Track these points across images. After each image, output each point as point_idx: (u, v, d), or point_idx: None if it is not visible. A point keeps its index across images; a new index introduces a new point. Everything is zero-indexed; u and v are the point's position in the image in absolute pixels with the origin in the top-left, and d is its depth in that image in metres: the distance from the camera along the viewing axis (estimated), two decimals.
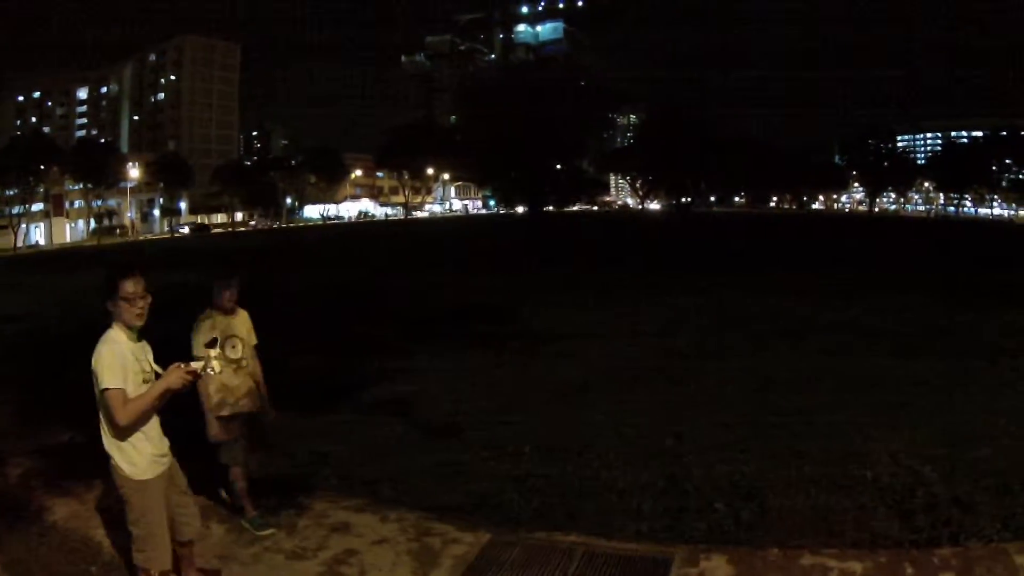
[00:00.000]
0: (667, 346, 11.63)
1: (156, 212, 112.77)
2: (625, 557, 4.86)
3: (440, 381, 9.67)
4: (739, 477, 6.13)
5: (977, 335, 12.25)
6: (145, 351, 3.92)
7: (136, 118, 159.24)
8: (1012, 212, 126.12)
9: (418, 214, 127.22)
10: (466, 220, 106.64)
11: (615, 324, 13.77)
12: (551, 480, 6.17)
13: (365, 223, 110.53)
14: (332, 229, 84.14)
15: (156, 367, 3.93)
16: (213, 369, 3.91)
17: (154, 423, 3.94)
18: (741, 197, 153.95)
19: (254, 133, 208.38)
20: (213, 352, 3.96)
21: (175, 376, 3.72)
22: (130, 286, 3.74)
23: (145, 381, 3.79)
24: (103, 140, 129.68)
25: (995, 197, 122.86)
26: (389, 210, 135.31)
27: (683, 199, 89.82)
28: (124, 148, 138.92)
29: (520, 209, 78.14)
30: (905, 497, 5.63)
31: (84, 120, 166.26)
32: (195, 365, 3.80)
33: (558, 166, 65.34)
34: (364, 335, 13.25)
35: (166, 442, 4.05)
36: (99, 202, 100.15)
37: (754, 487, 5.90)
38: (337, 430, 7.70)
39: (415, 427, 7.80)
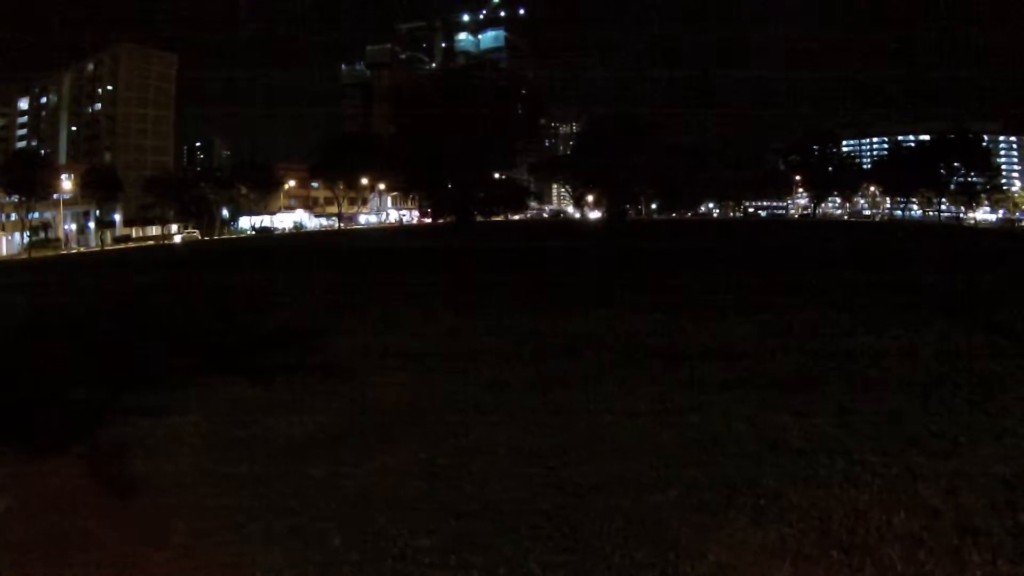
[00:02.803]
0: (482, 378, 9.97)
1: (91, 224, 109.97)
2: None
3: (176, 426, 8.23)
4: None
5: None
6: None
7: (74, 128, 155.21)
8: (962, 214, 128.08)
9: (355, 224, 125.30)
10: (391, 230, 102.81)
11: (438, 350, 12.00)
12: None
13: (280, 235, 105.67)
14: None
15: None
16: None
17: None
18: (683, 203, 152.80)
19: (197, 144, 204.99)
20: None
21: None
22: None
23: None
24: (43, 151, 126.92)
25: (943, 200, 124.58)
26: (324, 220, 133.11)
27: (623, 206, 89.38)
28: (63, 159, 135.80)
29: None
30: None
31: (25, 131, 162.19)
32: None
33: (495, 175, 64.20)
34: (153, 362, 11.84)
35: None
36: (35, 215, 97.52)
37: None
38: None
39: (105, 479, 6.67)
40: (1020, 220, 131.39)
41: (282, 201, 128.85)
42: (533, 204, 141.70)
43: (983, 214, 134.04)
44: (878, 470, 6.36)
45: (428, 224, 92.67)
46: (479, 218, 67.29)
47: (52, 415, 8.90)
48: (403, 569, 4.77)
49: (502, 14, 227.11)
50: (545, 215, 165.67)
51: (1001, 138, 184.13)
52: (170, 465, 7.01)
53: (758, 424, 7.68)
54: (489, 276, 25.29)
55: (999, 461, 6.57)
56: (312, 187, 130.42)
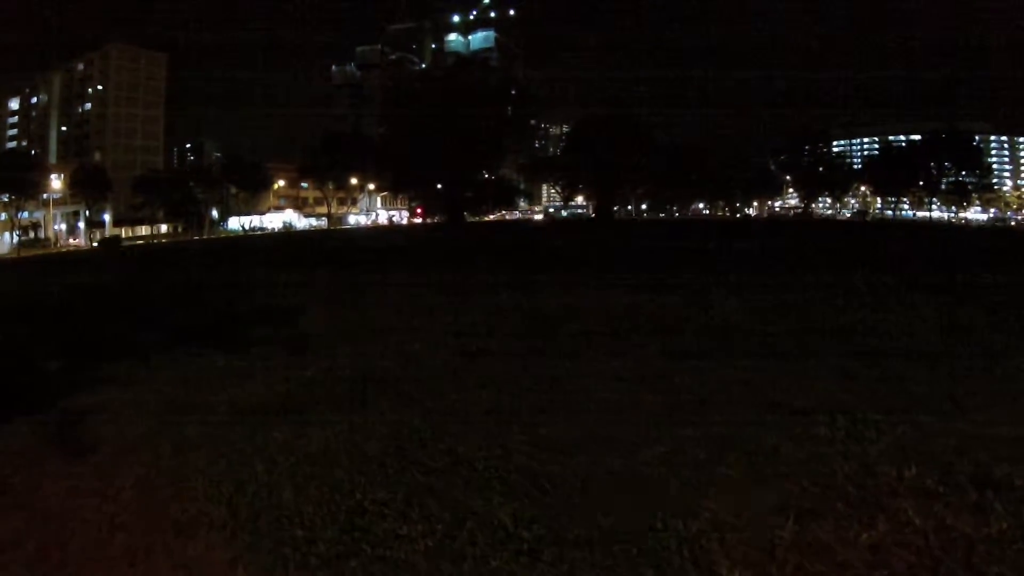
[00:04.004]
0: (462, 348, 9.41)
1: (81, 224, 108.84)
2: None
3: (143, 392, 7.82)
4: None
5: None
6: None
7: (64, 129, 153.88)
8: (952, 214, 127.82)
9: (344, 224, 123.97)
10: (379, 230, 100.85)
11: (418, 325, 11.43)
12: None
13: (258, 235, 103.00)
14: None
15: None
16: None
17: None
18: (672, 204, 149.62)
19: (187, 145, 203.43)
20: None
21: None
22: None
23: None
24: (32, 151, 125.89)
25: (934, 200, 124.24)
26: (314, 221, 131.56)
27: (610, 206, 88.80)
28: (53, 159, 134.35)
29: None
30: None
31: (15, 131, 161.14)
32: None
33: (484, 174, 63.52)
34: (129, 336, 11.35)
35: None
36: (25, 214, 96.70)
37: None
38: None
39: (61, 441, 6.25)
40: (1011, 219, 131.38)
41: (272, 201, 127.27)
42: (523, 204, 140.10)
43: (974, 213, 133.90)
44: (884, 428, 5.89)
45: (418, 224, 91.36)
46: (469, 218, 66.67)
47: (21, 386, 8.53)
48: (359, 522, 4.26)
49: (492, 15, 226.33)
50: (537, 217, 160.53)
51: (992, 137, 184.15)
52: (129, 427, 6.61)
53: (753, 386, 7.19)
54: (475, 266, 24.69)
55: (1012, 422, 6.10)
56: (302, 187, 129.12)
